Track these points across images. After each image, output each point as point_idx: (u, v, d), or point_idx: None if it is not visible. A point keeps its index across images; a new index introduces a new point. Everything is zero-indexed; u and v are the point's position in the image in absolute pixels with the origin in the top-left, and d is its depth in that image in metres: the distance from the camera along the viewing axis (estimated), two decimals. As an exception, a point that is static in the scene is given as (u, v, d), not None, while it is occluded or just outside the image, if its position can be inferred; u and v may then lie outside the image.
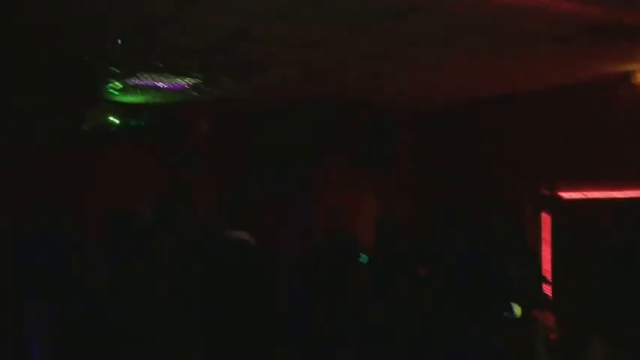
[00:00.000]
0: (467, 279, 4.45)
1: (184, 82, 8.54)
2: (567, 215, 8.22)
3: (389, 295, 6.60)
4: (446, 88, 9.14)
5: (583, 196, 8.31)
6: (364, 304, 6.70)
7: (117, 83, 8.63)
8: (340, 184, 10.06)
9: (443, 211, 9.50)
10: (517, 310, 4.45)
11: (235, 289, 3.75)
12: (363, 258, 7.29)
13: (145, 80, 8.42)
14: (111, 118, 9.82)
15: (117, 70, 7.94)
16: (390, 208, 9.74)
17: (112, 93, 9.13)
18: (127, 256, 4.76)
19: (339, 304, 6.33)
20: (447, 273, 4.98)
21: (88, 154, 9.74)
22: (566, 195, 8.42)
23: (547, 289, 7.09)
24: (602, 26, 6.18)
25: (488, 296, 4.00)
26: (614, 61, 7.55)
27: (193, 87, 8.79)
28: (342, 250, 7.12)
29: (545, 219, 8.72)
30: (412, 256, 7.29)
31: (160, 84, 8.64)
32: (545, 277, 6.75)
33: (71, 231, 7.74)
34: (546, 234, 8.65)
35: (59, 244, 6.94)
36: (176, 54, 7.26)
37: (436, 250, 6.80)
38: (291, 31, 6.50)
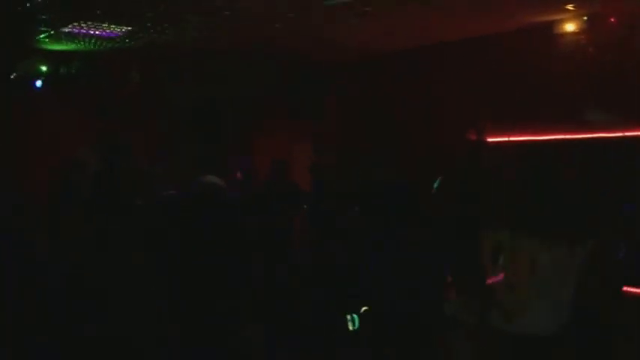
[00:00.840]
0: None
1: (119, 30, 8.48)
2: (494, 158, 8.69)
3: (330, 235, 6.92)
4: (375, 39, 9.41)
5: (507, 140, 8.84)
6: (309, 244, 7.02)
7: (48, 30, 8.48)
8: (275, 133, 10.32)
9: (374, 155, 9.83)
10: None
11: (212, 227, 3.99)
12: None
13: (79, 28, 8.32)
14: (40, 66, 9.65)
15: (51, 18, 7.82)
16: (323, 153, 10.06)
17: (43, 40, 8.97)
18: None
19: (285, 246, 6.63)
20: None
21: (17, 104, 9.57)
22: (492, 139, 8.88)
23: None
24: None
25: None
26: (537, 11, 8.00)
27: (127, 35, 8.74)
28: (284, 195, 7.40)
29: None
30: (347, 196, 7.58)
31: (93, 31, 8.55)
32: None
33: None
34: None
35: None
36: (113, 1, 7.22)
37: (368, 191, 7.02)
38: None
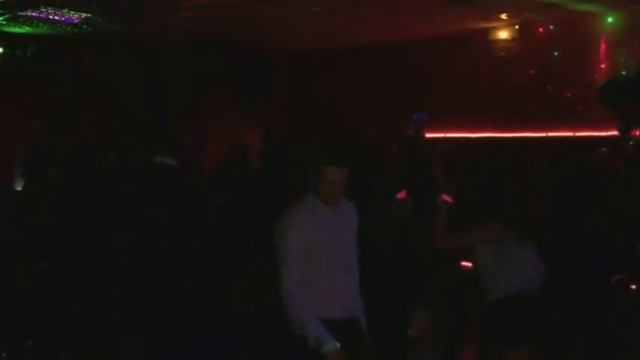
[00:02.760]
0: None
1: (77, 15, 8.74)
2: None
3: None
4: (324, 34, 9.92)
5: (443, 136, 9.46)
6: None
7: (6, 13, 8.65)
8: (227, 119, 10.72)
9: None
10: None
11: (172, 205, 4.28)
12: None
13: (38, 12, 8.53)
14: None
15: (10, 0, 8.02)
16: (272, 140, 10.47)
17: (0, 22, 9.13)
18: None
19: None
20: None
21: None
22: (430, 134, 9.47)
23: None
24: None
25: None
26: (473, 19, 8.65)
27: (85, 21, 9.00)
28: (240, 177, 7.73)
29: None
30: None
31: (52, 16, 8.77)
32: None
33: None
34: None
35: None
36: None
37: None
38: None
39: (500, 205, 4.30)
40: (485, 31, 9.12)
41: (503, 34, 9.04)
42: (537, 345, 4.20)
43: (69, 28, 9.38)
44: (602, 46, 8.43)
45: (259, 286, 5.42)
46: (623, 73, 8.05)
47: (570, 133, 8.49)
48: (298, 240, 3.46)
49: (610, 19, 8.23)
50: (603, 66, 8.36)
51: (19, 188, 6.83)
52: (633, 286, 5.23)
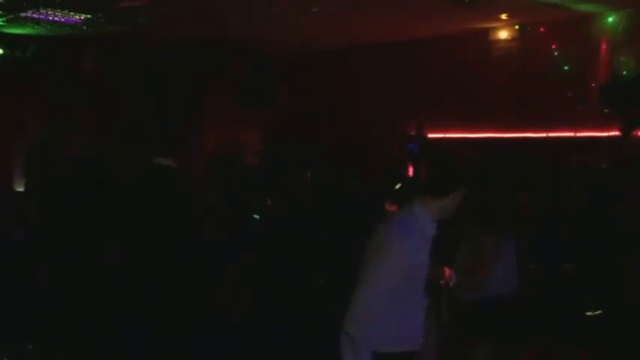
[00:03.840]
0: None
1: (77, 16, 8.74)
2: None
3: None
4: (324, 34, 9.91)
5: (443, 136, 9.48)
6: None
7: (6, 14, 8.66)
8: (227, 119, 10.72)
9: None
10: None
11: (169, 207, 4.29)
12: None
13: (38, 13, 8.53)
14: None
15: (10, 1, 8.02)
16: (272, 139, 10.50)
17: (0, 24, 9.14)
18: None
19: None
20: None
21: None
22: (430, 134, 9.50)
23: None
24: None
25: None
26: (473, 19, 8.64)
27: (85, 22, 9.00)
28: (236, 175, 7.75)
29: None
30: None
31: (52, 17, 8.77)
32: None
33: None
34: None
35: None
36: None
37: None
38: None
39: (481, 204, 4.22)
40: (485, 31, 9.11)
41: (503, 34, 9.03)
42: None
43: (69, 29, 9.38)
44: (603, 46, 8.42)
45: (248, 286, 5.46)
46: (624, 73, 8.04)
47: (570, 134, 8.48)
48: (403, 264, 2.97)
49: (610, 19, 8.22)
50: (603, 66, 8.35)
51: (19, 188, 6.84)
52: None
